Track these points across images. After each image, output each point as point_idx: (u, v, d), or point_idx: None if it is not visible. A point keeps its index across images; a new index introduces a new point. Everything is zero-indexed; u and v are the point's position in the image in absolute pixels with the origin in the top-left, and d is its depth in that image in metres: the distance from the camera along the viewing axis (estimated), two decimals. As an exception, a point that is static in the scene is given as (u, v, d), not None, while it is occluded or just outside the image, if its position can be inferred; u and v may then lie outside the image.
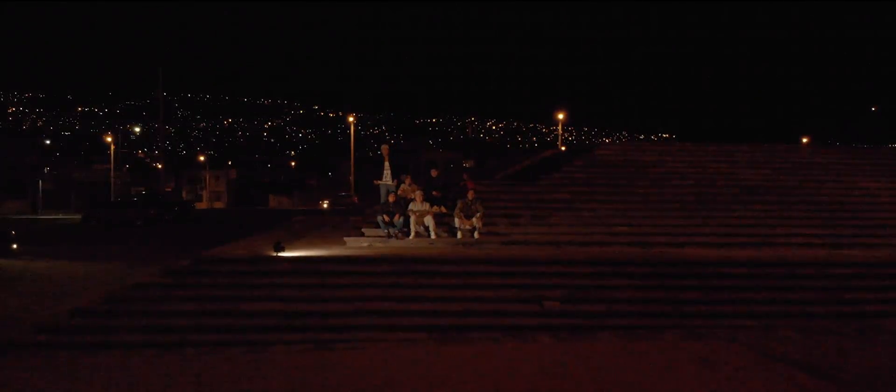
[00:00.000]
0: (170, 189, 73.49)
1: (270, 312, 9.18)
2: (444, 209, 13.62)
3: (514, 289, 10.13)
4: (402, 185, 14.02)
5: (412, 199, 13.44)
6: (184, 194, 76.53)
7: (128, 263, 17.20)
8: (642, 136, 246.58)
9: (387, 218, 13.10)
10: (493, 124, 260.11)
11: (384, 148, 15.17)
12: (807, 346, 8.41)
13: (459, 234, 12.89)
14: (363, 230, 13.33)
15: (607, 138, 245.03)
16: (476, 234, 12.88)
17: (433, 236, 12.92)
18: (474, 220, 12.79)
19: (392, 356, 8.01)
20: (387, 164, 14.15)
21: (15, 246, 20.30)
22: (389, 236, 12.90)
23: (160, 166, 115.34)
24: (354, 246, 12.23)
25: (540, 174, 16.98)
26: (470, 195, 12.97)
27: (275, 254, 10.75)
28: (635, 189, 15.32)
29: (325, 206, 58.88)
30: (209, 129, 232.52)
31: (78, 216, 38.95)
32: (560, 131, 64.80)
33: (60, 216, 45.72)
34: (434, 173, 14.58)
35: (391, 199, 13.35)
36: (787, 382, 6.96)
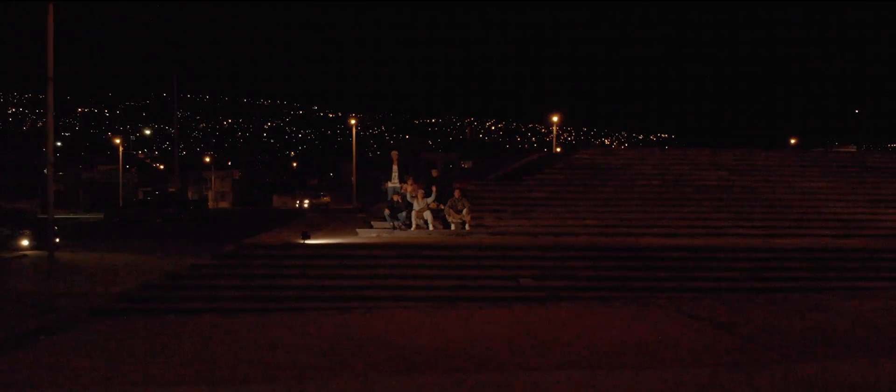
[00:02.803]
0: (176, 189, 75.79)
1: (301, 286, 11.56)
2: (441, 206, 15.99)
3: (496, 269, 12.50)
4: (404, 185, 16.39)
5: (414, 197, 15.83)
6: (189, 194, 78.89)
7: (162, 255, 19.58)
8: (641, 137, 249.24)
9: (388, 211, 15.54)
10: (492, 124, 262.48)
11: (394, 154, 17.55)
12: (722, 310, 10.73)
13: (453, 227, 15.28)
14: (372, 223, 15.75)
15: (607, 139, 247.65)
16: (467, 227, 15.27)
17: (431, 228, 15.32)
18: (464, 213, 15.19)
19: (398, 316, 10.36)
20: (395, 167, 16.55)
21: (58, 240, 22.65)
22: (394, 228, 15.30)
23: (162, 167, 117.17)
24: (365, 236, 14.62)
25: (525, 175, 19.40)
26: (456, 194, 15.37)
27: (302, 241, 13.14)
28: (605, 188, 17.73)
29: (306, 205, 63.23)
30: (209, 129, 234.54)
31: (90, 215, 41.28)
32: (554, 133, 67.23)
33: (71, 215, 48.05)
34: (435, 173, 16.94)
35: (396, 198, 15.76)
36: (694, 330, 9.33)
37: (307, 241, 13.17)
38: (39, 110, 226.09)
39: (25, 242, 21.69)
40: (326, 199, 63.83)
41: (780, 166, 19.96)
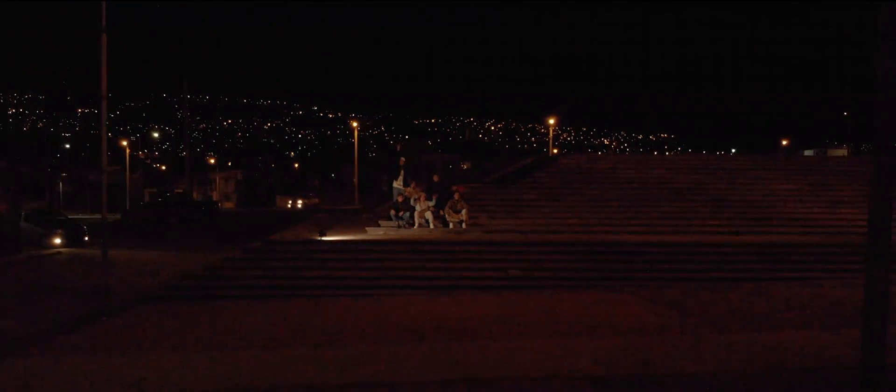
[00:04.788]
0: (182, 190, 77.59)
1: (320, 277, 13.42)
2: (441, 211, 17.87)
3: (489, 262, 14.36)
4: (408, 188, 18.28)
5: (417, 199, 17.71)
6: (194, 195, 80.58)
7: (187, 252, 21.41)
8: (640, 137, 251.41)
9: (393, 211, 17.44)
10: (492, 125, 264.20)
11: (401, 160, 19.45)
12: (679, 295, 12.65)
13: (451, 226, 17.16)
14: (379, 222, 17.63)
15: (606, 139, 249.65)
16: (464, 225, 17.14)
17: (432, 226, 17.19)
18: (463, 214, 17.08)
19: (403, 302, 12.27)
20: (402, 172, 18.47)
21: (87, 238, 24.57)
22: (399, 226, 17.18)
23: (164, 168, 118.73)
24: (374, 233, 16.48)
25: (517, 178, 21.28)
26: (456, 196, 17.25)
27: (319, 238, 15.01)
28: (587, 191, 19.61)
29: (300, 205, 65.97)
30: (209, 129, 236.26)
31: (99, 216, 43.11)
32: (551, 136, 69.06)
33: (86, 216, 49.91)
34: (436, 179, 18.83)
35: (400, 199, 17.66)
36: (650, 310, 11.21)
37: (323, 238, 15.03)
38: (39, 111, 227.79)
39: (58, 241, 23.58)
40: (315, 200, 66.83)
41: (750, 170, 21.82)
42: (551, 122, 65.96)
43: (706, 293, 13.07)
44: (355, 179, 61.91)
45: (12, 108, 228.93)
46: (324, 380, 7.08)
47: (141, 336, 9.90)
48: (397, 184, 18.41)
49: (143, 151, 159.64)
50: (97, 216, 48.12)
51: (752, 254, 15.30)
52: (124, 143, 77.36)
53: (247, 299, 12.48)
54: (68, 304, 13.24)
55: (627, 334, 9.18)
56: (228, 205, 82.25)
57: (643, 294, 12.74)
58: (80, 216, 50.11)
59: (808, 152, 67.61)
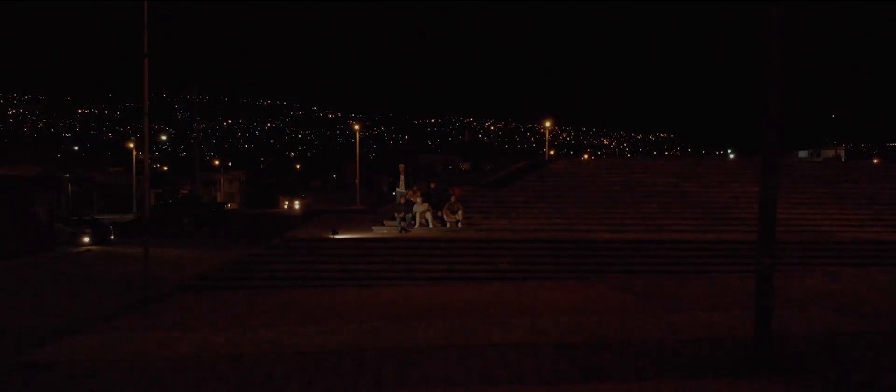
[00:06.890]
0: (187, 191, 79.29)
1: (335, 269, 15.43)
2: (439, 212, 19.89)
3: (481, 257, 16.38)
4: (409, 192, 20.30)
5: (416, 202, 19.73)
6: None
7: (206, 250, 23.40)
8: (640, 136, 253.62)
9: (397, 212, 19.47)
10: (491, 124, 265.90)
11: (401, 166, 21.48)
12: (644, 285, 14.67)
13: (448, 225, 19.17)
14: (384, 222, 19.64)
15: (606, 138, 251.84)
16: (460, 225, 19.15)
17: (431, 226, 19.20)
18: (459, 214, 19.11)
19: (406, 289, 14.30)
20: (402, 177, 20.51)
21: (112, 237, 26.57)
22: (401, 226, 19.19)
23: (166, 168, 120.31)
24: (379, 232, 18.51)
25: (509, 182, 23.29)
26: (453, 198, 19.29)
27: (332, 236, 17.02)
28: (572, 194, 21.63)
29: (297, 206, 68.04)
30: (209, 130, 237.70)
31: (107, 216, 45.14)
32: (547, 138, 71.12)
33: (99, 217, 51.81)
34: (433, 185, 20.88)
35: (401, 201, 19.68)
36: (617, 296, 13.23)
37: (336, 236, 17.06)
38: (39, 111, 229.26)
39: (86, 239, 25.57)
40: (308, 200, 69.12)
41: (724, 174, 23.83)
42: (547, 124, 68.15)
43: (668, 283, 15.07)
44: (357, 180, 63.91)
45: (12, 109, 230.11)
46: (345, 345, 9.08)
47: (187, 316, 11.91)
48: (400, 188, 20.44)
49: (142, 152, 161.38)
50: (105, 217, 50.29)
51: (714, 250, 17.30)
52: (131, 144, 79.10)
53: (272, 288, 14.49)
54: (115, 293, 15.22)
55: (593, 314, 11.21)
56: (232, 206, 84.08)
57: (613, 283, 14.76)
58: (99, 217, 52.03)
59: (802, 153, 69.47)
